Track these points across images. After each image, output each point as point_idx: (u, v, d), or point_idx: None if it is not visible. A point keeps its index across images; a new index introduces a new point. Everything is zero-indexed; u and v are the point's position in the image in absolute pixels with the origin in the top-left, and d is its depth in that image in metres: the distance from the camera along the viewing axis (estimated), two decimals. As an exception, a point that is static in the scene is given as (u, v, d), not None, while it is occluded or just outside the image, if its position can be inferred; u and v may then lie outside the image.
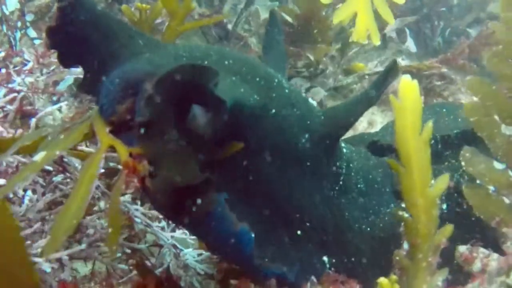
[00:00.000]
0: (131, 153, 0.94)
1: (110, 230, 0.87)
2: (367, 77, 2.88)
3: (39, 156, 1.03)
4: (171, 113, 0.92)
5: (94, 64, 1.16)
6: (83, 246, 1.36)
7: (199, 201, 0.93)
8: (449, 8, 3.46)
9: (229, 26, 2.81)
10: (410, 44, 3.25)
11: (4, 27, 2.15)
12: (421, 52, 3.37)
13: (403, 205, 1.25)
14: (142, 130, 0.90)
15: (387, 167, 1.51)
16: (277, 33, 1.54)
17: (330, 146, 1.29)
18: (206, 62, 1.12)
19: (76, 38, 1.15)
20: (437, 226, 1.20)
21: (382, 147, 1.63)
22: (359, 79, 2.86)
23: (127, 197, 1.56)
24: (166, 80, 0.91)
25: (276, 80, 1.22)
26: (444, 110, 1.84)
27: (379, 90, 1.29)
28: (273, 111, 1.17)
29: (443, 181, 1.20)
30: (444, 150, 1.62)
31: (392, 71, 1.28)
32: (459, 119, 1.72)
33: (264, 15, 2.73)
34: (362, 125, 2.72)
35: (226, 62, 1.17)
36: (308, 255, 1.23)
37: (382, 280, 1.11)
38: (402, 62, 3.07)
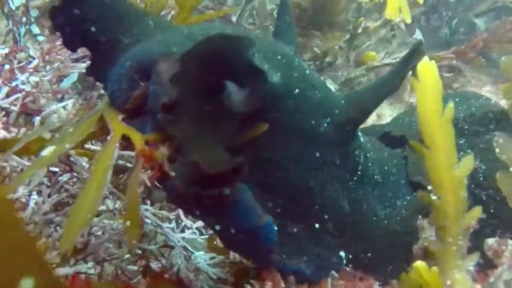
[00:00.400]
0: (147, 141, 0.88)
1: (128, 223, 0.81)
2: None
3: (47, 151, 0.97)
4: (200, 92, 0.84)
5: (101, 46, 1.09)
6: (90, 264, 1.32)
7: (224, 189, 0.86)
8: (457, -1, 3.43)
9: (234, 18, 2.77)
10: (418, 35, 3.21)
11: (10, 23, 2.10)
12: (428, 43, 3.32)
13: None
14: (167, 112, 0.82)
15: (400, 159, 1.48)
16: (288, 19, 1.48)
17: (351, 132, 1.23)
18: None
19: (82, 18, 1.08)
20: (466, 207, 1.15)
21: (394, 138, 1.58)
22: (366, 71, 2.81)
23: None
24: (194, 54, 0.83)
25: (297, 60, 1.16)
26: (457, 99, 1.79)
27: (402, 73, 1.23)
28: (297, 91, 1.10)
29: (469, 161, 1.16)
30: (458, 139, 1.57)
31: (416, 53, 1.21)
32: (473, 108, 1.68)
33: (270, 5, 2.68)
34: (371, 118, 2.67)
35: None
36: (326, 249, 1.17)
37: (419, 263, 1.05)
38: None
